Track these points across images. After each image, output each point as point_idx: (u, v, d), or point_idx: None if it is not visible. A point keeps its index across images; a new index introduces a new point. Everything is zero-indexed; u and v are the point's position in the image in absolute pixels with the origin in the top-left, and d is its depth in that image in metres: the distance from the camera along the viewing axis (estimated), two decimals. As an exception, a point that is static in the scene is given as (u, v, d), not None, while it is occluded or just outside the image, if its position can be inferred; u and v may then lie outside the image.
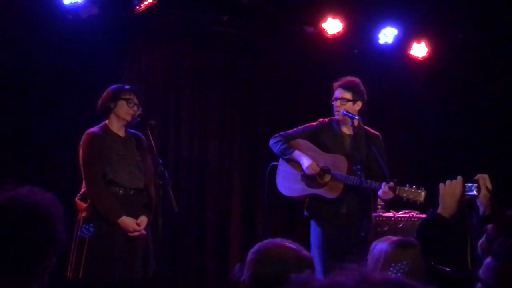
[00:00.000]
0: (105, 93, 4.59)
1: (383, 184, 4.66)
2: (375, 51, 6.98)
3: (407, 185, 4.66)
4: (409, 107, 7.36)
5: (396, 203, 5.24)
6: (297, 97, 6.97)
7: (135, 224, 4.38)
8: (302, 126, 5.09)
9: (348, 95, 4.92)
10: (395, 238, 2.69)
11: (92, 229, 4.29)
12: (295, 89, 6.98)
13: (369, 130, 5.04)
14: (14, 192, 1.97)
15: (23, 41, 5.75)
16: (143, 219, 4.43)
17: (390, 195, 4.67)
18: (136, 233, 4.37)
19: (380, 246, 2.64)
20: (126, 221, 4.35)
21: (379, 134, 5.11)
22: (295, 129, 5.08)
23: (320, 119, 5.10)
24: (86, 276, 4.28)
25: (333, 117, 5.05)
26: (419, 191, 4.64)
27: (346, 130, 4.99)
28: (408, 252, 2.59)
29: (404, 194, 4.66)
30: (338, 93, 4.94)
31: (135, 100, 4.55)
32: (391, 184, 4.63)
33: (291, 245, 2.14)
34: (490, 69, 7.16)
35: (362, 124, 4.97)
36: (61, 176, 5.61)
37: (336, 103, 4.92)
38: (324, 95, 5.16)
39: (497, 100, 7.20)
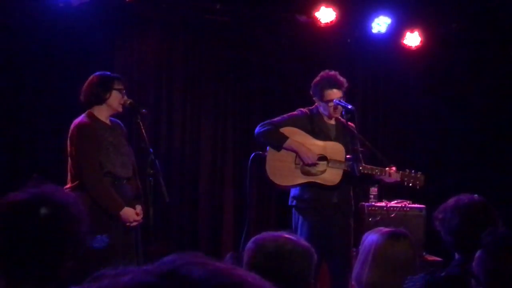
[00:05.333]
0: (93, 81, 4.37)
1: (387, 168, 4.72)
2: (368, 40, 6.96)
3: (406, 169, 4.76)
4: (402, 96, 7.35)
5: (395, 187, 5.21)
6: (290, 86, 6.92)
7: (135, 214, 4.31)
8: (287, 114, 4.93)
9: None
10: (386, 229, 2.67)
11: (106, 239, 4.15)
12: (287, 77, 6.94)
13: (345, 121, 4.91)
14: (40, 189, 1.89)
15: (14, 29, 5.69)
16: (140, 208, 4.37)
17: (396, 177, 4.72)
18: (135, 223, 4.31)
19: (371, 237, 2.63)
20: (128, 212, 4.27)
21: (353, 124, 4.97)
22: (280, 117, 4.91)
23: (300, 108, 4.98)
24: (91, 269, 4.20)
25: (312, 107, 4.95)
26: (418, 175, 4.76)
27: (328, 120, 4.90)
28: (400, 243, 2.58)
29: (405, 178, 4.74)
30: (339, 93, 4.81)
31: (123, 89, 4.43)
32: (394, 167, 4.72)
33: (288, 236, 2.12)
34: (483, 60, 7.16)
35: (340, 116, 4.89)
36: (50, 166, 5.55)
37: (335, 101, 4.77)
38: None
39: (489, 91, 7.21)
